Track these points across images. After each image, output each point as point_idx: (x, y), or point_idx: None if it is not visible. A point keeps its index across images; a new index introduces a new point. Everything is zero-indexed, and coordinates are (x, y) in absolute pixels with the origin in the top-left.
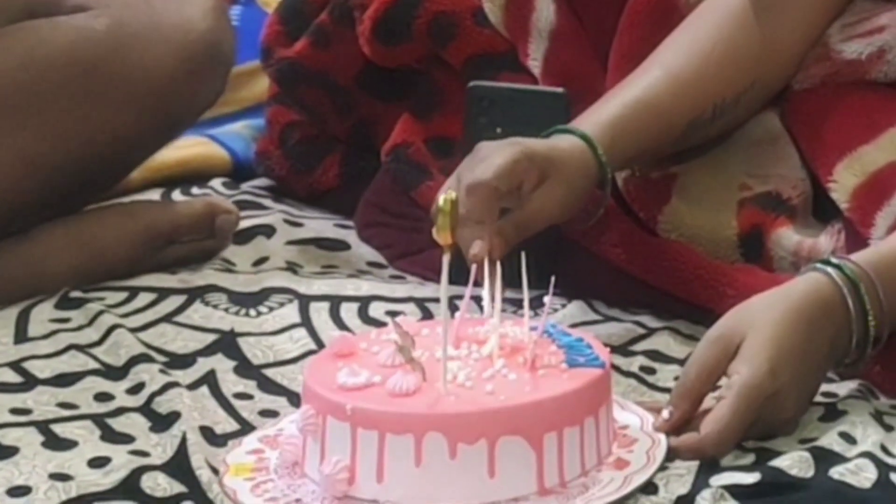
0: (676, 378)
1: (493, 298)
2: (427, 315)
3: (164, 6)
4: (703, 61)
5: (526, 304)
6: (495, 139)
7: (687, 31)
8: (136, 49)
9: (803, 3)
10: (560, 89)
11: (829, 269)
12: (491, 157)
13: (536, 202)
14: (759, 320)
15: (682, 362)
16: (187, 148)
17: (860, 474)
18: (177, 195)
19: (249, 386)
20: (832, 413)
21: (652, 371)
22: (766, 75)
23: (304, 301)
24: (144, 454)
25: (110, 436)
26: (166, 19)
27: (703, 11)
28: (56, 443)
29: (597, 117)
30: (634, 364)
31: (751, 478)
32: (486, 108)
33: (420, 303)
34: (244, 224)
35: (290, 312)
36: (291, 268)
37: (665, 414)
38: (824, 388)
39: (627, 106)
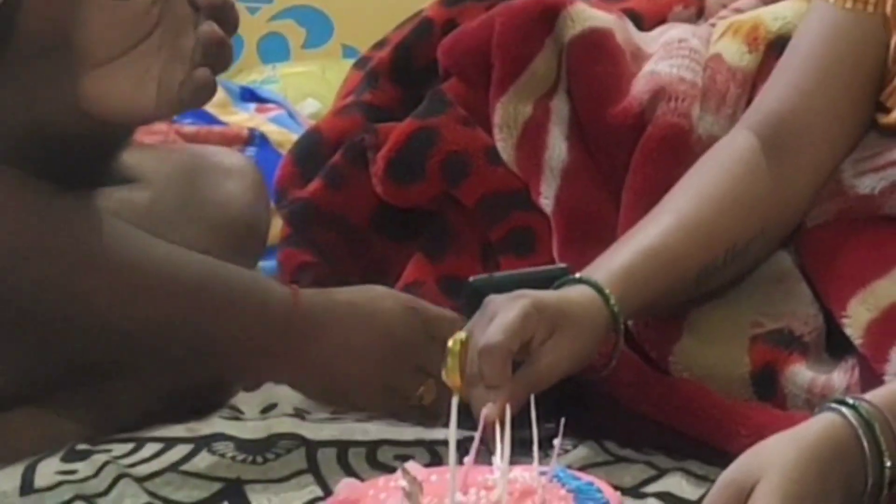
0: None
1: (501, 442)
2: (436, 458)
3: (205, 182)
4: (715, 208)
5: (535, 448)
6: None
7: (698, 176)
8: (175, 225)
9: (815, 144)
10: (563, 265)
11: (844, 410)
12: (501, 315)
13: (547, 357)
14: (773, 463)
15: None
16: None
17: None
18: None
19: None
20: None
21: None
22: (777, 218)
23: (312, 447)
24: None
25: None
26: (206, 195)
27: (714, 155)
28: None
29: (608, 265)
30: None
31: None
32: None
33: (429, 446)
34: None
35: (298, 459)
36: (299, 414)
37: None
38: None
39: (639, 253)
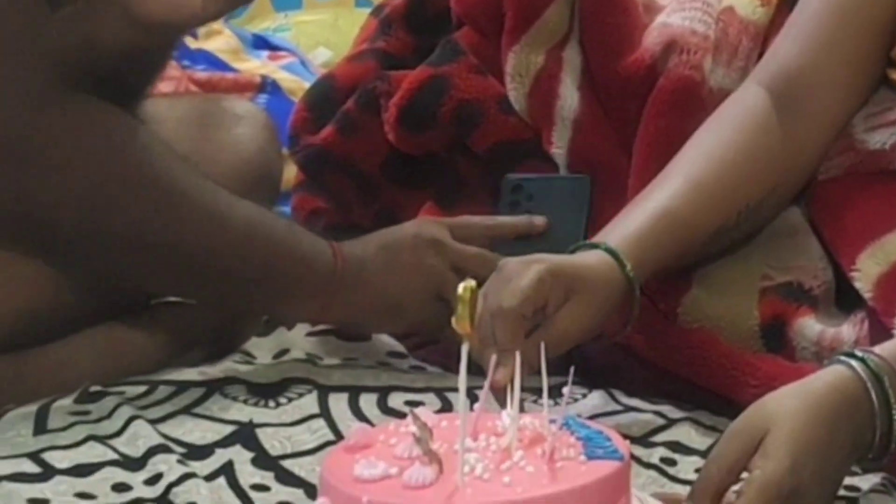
0: (697, 470)
1: (511, 390)
2: (447, 405)
3: (216, 127)
4: (727, 168)
5: (545, 395)
6: None
7: (708, 134)
8: None
9: (826, 100)
10: (584, 175)
11: (853, 362)
12: (515, 279)
13: (562, 322)
14: (781, 415)
15: (703, 454)
16: None
17: None
18: None
19: (266, 477)
20: None
21: (673, 462)
22: (789, 175)
23: (324, 392)
24: None
25: None
26: (218, 140)
27: (725, 112)
28: None
29: (622, 230)
30: (655, 455)
31: None
32: (517, 195)
33: (440, 392)
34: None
35: (309, 403)
36: (311, 359)
37: None
38: (847, 481)
39: (653, 217)
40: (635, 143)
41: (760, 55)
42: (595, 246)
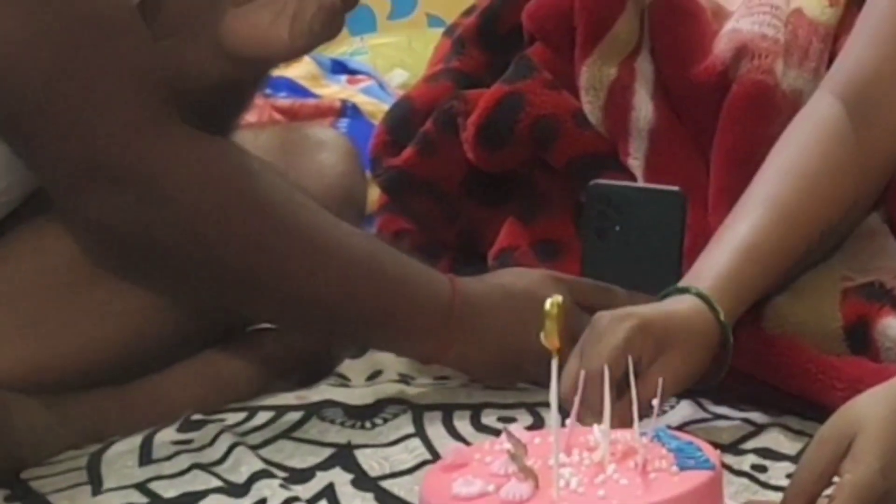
0: (788, 475)
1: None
2: (538, 420)
3: (300, 154)
4: (808, 190)
5: (635, 409)
6: (613, 236)
7: (785, 153)
8: None
9: None
10: (676, 188)
11: None
12: (605, 338)
13: (654, 377)
14: (869, 418)
15: (793, 459)
16: None
17: None
18: None
19: (367, 498)
20: None
21: (763, 469)
22: (868, 186)
23: (418, 411)
24: None
25: None
26: (301, 166)
27: (799, 126)
28: None
29: (712, 271)
30: (745, 463)
31: None
32: (604, 207)
33: (531, 408)
34: None
35: (405, 423)
36: (404, 379)
37: None
38: None
39: (740, 253)
40: (712, 152)
41: (831, 55)
42: (686, 290)
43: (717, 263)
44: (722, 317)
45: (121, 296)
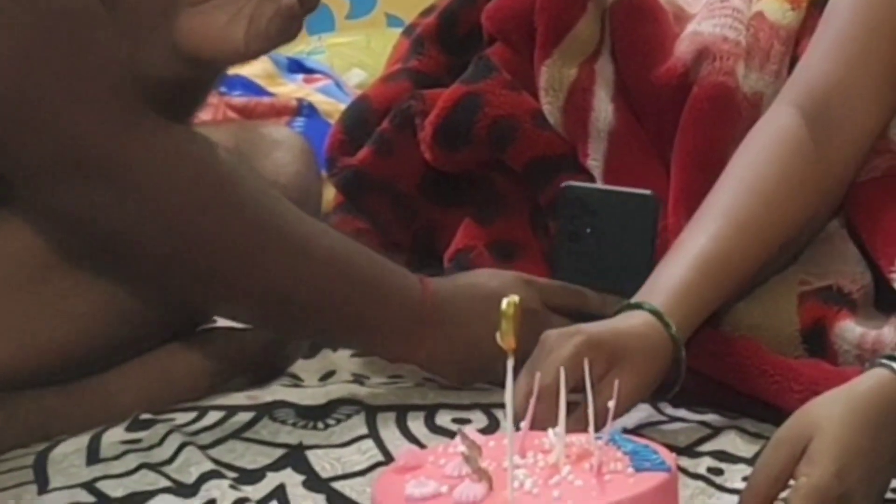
0: (745, 478)
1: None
2: (493, 421)
3: (255, 154)
4: (767, 204)
5: (590, 411)
6: (585, 239)
7: (743, 166)
8: None
9: (859, 115)
10: (648, 192)
11: (894, 365)
12: (553, 354)
13: (603, 395)
14: (825, 421)
15: (749, 461)
16: None
17: None
18: None
19: (318, 500)
20: None
21: (720, 472)
22: (826, 198)
23: (371, 412)
24: None
25: None
26: (257, 166)
27: (757, 139)
28: None
29: (665, 284)
30: (702, 465)
31: None
32: (577, 210)
33: (486, 409)
34: None
35: (358, 424)
36: (358, 380)
37: None
38: (894, 484)
39: (695, 267)
40: (673, 154)
41: (792, 59)
42: (638, 306)
43: (671, 277)
44: (674, 331)
45: (70, 295)
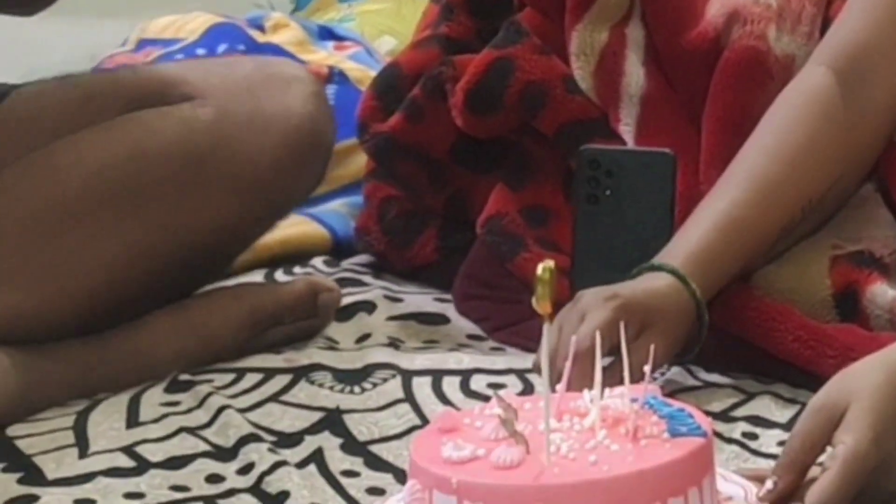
0: (780, 443)
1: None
2: (528, 386)
3: (267, 94)
4: (788, 166)
5: (627, 375)
6: (604, 201)
7: (770, 129)
8: (240, 138)
9: (892, 77)
10: (667, 150)
11: None
12: (590, 318)
13: (636, 355)
14: (861, 388)
15: (784, 426)
16: (288, 228)
17: None
18: (279, 275)
19: (356, 463)
20: None
21: (754, 437)
22: (854, 161)
23: (407, 376)
24: None
25: None
26: (268, 107)
27: (786, 101)
28: None
29: (686, 246)
30: (736, 430)
31: None
32: (595, 171)
33: (521, 374)
34: (346, 301)
35: (394, 388)
36: (393, 343)
37: (769, 484)
38: None
39: (716, 228)
40: (704, 118)
41: (824, 20)
42: (660, 268)
43: (691, 240)
44: (696, 292)
45: (94, 242)
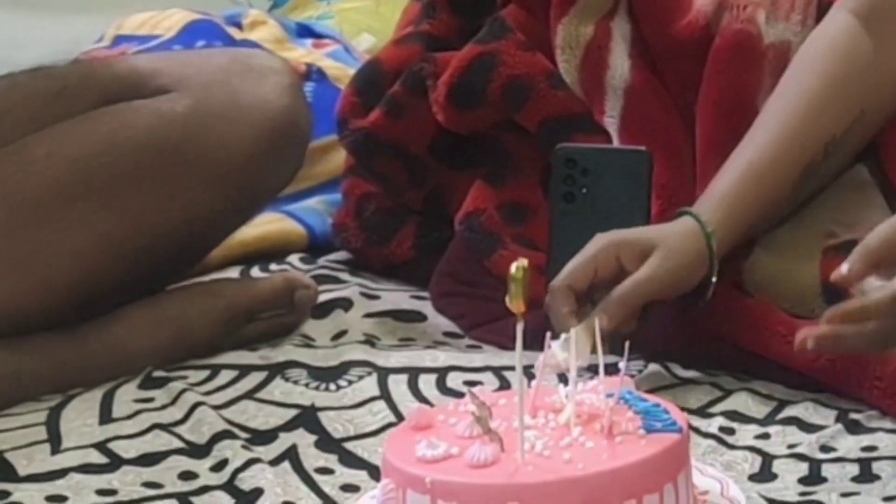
0: (756, 437)
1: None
2: (504, 383)
3: (243, 86)
4: (812, 99)
5: (601, 371)
6: (580, 199)
7: (793, 71)
8: (216, 130)
9: None
10: (642, 148)
11: None
12: (576, 256)
13: (643, 271)
14: None
15: (760, 421)
16: (265, 224)
17: None
18: (255, 271)
19: (330, 460)
20: None
21: (731, 431)
22: (876, 95)
23: (383, 373)
24: None
25: None
26: (244, 99)
27: (810, 44)
28: None
29: (709, 193)
30: (713, 425)
31: None
32: (571, 169)
33: (497, 371)
34: (322, 298)
35: (370, 385)
36: (370, 340)
37: (844, 269)
38: None
39: (738, 173)
40: (698, 105)
41: (820, 4)
42: (680, 214)
43: (714, 187)
44: (710, 235)
45: (68, 233)
